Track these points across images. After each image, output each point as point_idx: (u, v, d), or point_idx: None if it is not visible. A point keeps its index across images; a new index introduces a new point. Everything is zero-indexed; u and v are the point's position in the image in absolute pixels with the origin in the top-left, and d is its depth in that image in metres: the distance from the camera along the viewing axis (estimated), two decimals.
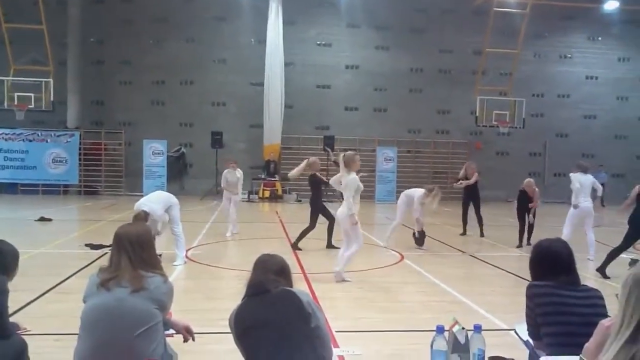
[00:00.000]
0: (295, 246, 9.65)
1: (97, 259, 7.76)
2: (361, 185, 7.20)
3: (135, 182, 20.23)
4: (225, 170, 11.54)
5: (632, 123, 23.51)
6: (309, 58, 22.03)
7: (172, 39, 21.44)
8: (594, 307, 2.73)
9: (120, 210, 15.24)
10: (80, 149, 20.66)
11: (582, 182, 9.06)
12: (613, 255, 7.78)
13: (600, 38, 23.38)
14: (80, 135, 20.66)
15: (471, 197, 12.09)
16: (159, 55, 21.31)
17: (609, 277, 7.51)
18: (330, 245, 9.86)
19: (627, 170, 23.28)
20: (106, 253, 2.92)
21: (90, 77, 21.10)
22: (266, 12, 20.48)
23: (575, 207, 9.02)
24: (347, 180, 7.08)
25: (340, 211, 7.19)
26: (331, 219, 9.76)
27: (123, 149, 21.10)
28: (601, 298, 2.83)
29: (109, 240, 2.96)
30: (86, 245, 9.26)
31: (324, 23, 22.04)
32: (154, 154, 20.22)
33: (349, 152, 7.62)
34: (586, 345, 1.95)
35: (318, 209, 9.83)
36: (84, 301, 2.79)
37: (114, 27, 21.21)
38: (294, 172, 9.61)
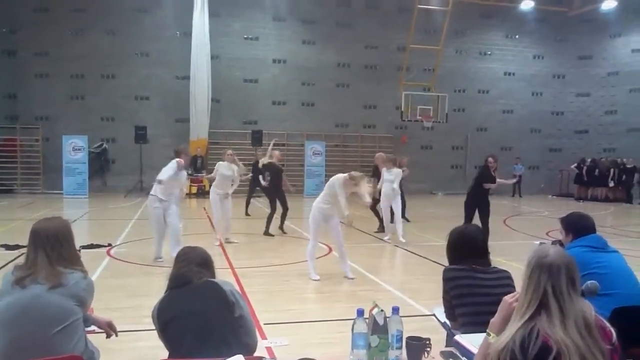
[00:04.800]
0: (267, 233, 10.68)
1: (13, 260, 7.39)
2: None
3: (54, 180, 19.29)
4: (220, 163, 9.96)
5: (545, 117, 24.77)
6: (236, 51, 21.76)
7: (92, 30, 20.57)
8: (504, 287, 2.91)
9: (38, 208, 14.53)
10: None
11: None
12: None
13: (517, 36, 24.44)
14: None
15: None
16: (78, 47, 20.36)
17: None
18: (267, 233, 10.74)
19: (541, 162, 24.60)
20: (23, 253, 2.80)
21: (1, 68, 19.95)
22: (190, 4, 20.04)
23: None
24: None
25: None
26: (285, 208, 11.11)
27: (40, 145, 20.06)
28: (510, 278, 3.04)
29: (25, 240, 2.85)
30: (1, 245, 8.81)
31: (250, 16, 21.80)
32: (74, 149, 19.34)
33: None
34: (492, 320, 2.08)
35: (279, 195, 11.10)
36: None
37: (28, 16, 20.10)
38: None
